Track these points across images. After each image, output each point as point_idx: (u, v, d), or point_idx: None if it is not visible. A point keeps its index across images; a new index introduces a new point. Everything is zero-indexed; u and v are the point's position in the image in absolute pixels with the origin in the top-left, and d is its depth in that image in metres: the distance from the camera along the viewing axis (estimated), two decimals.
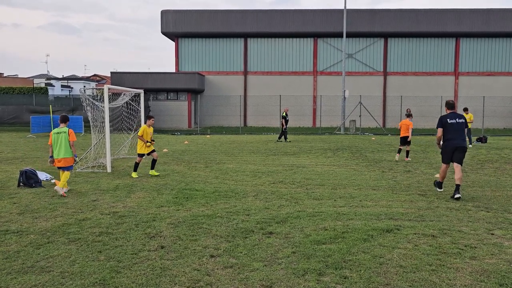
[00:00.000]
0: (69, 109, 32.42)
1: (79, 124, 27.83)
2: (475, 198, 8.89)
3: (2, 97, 37.17)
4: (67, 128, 9.68)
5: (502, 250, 5.68)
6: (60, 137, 9.55)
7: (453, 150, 9.10)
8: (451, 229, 6.62)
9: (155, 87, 35.02)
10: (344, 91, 32.75)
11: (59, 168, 9.79)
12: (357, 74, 38.32)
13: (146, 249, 5.72)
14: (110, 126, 13.33)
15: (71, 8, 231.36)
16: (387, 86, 38.40)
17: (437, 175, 10.20)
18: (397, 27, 36.67)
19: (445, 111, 9.53)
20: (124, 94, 15.72)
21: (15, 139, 24.49)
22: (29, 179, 10.15)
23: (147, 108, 31.54)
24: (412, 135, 16.04)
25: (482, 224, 6.92)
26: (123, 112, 17.55)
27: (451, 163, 9.22)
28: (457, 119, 9.15)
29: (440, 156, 9.70)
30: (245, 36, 38.36)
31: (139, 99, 16.86)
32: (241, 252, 5.59)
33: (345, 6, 32.44)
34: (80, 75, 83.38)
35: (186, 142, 23.10)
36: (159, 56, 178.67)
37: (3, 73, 68.22)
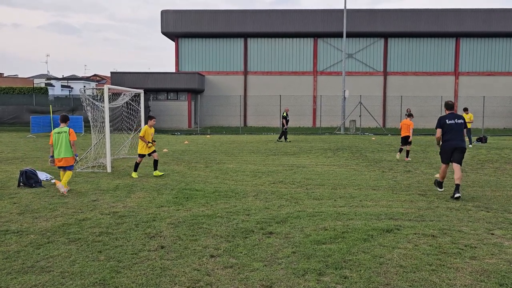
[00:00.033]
0: (69, 109, 32.42)
1: (79, 124, 27.82)
2: (475, 198, 8.89)
3: (2, 97, 37.17)
4: (68, 128, 9.71)
5: (502, 250, 5.68)
6: (61, 136, 9.57)
7: (452, 151, 9.16)
8: (451, 229, 6.62)
9: (155, 87, 35.04)
10: (344, 91, 32.75)
11: (59, 167, 9.81)
12: (357, 74, 38.32)
13: (146, 249, 5.72)
14: (110, 126, 13.32)
15: (71, 8, 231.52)
16: (387, 86, 38.41)
17: (437, 175, 10.21)
18: (397, 27, 36.68)
19: (444, 112, 9.58)
20: (124, 94, 15.71)
21: (15, 139, 24.49)
22: (29, 179, 10.15)
23: (147, 108, 31.55)
24: (412, 135, 16.06)
25: (482, 224, 6.91)
26: (123, 112, 17.55)
27: (450, 163, 9.25)
28: (456, 120, 9.20)
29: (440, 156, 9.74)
30: (245, 36, 38.37)
31: (139, 99, 16.86)
32: (241, 252, 5.59)
33: (345, 6, 32.43)
34: (80, 75, 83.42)
35: (186, 142, 23.10)
36: (159, 56, 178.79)
37: (3, 73, 68.25)
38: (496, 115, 37.11)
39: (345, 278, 4.77)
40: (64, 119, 9.86)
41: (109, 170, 12.62)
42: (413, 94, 37.37)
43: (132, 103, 17.25)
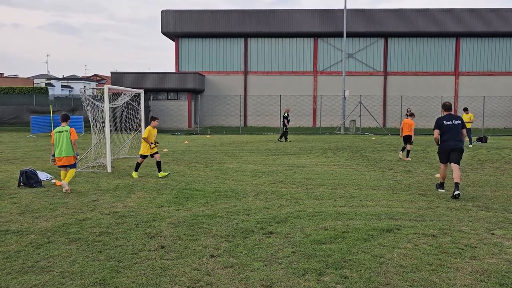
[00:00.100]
0: (69, 109, 32.43)
1: (79, 124, 27.83)
2: (476, 198, 8.89)
3: (2, 97, 37.19)
4: (69, 127, 9.75)
5: (502, 250, 5.68)
6: (62, 136, 9.61)
7: (449, 151, 9.27)
8: (451, 229, 6.62)
9: (155, 87, 35.04)
10: (344, 91, 32.75)
11: (60, 167, 9.81)
12: (357, 74, 38.32)
13: (146, 249, 5.72)
14: (110, 126, 13.32)
15: (71, 8, 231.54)
16: (387, 86, 38.40)
17: (437, 175, 10.23)
18: (397, 27, 36.68)
19: (441, 113, 9.65)
20: (124, 94, 15.72)
21: (16, 139, 24.50)
22: (29, 179, 10.15)
23: (147, 108, 31.56)
24: (414, 135, 16.08)
25: (482, 224, 6.92)
26: (123, 112, 17.56)
27: (449, 164, 9.34)
28: (453, 121, 9.31)
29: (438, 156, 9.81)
30: (245, 36, 38.37)
31: (139, 99, 16.87)
32: (241, 252, 5.59)
33: (345, 6, 32.43)
34: (80, 75, 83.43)
35: (186, 142, 23.10)
36: (159, 56, 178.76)
37: (3, 73, 68.27)
38: (496, 115, 37.11)
39: (345, 278, 4.77)
40: (65, 118, 9.89)
41: (109, 170, 12.62)
42: (413, 94, 37.37)
43: (132, 103, 17.25)
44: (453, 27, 36.43)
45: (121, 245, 5.86)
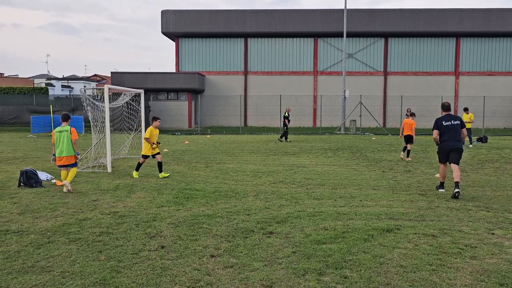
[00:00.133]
0: (70, 109, 32.43)
1: (80, 124, 27.83)
2: (476, 198, 8.89)
3: (2, 97, 37.20)
4: (69, 127, 9.77)
5: (503, 250, 5.68)
6: (63, 135, 9.64)
7: (448, 151, 9.33)
8: (452, 229, 6.62)
9: (155, 87, 35.05)
10: (345, 91, 32.75)
11: (60, 166, 9.82)
12: (358, 74, 38.31)
13: (146, 249, 5.72)
14: (111, 126, 13.32)
15: (71, 8, 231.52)
16: (388, 86, 38.40)
17: (437, 175, 10.24)
18: (397, 27, 36.67)
19: (441, 113, 9.69)
20: (125, 94, 15.72)
21: (16, 139, 24.50)
22: (29, 179, 10.15)
23: (147, 108, 31.56)
24: (415, 134, 16.07)
25: (483, 224, 6.91)
26: (124, 112, 17.57)
27: (449, 165, 9.39)
28: (452, 121, 9.37)
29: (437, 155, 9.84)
30: (245, 36, 38.37)
31: (140, 99, 16.87)
32: (241, 252, 5.59)
33: (345, 6, 32.43)
34: (80, 75, 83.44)
35: (186, 142, 23.11)
36: (159, 56, 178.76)
37: (3, 73, 68.28)
38: (497, 115, 37.11)
39: (345, 278, 4.77)
40: (65, 118, 9.92)
41: (109, 170, 12.62)
42: (414, 94, 37.36)
43: (133, 103, 17.26)
44: (453, 27, 36.42)
45: (121, 245, 5.86)
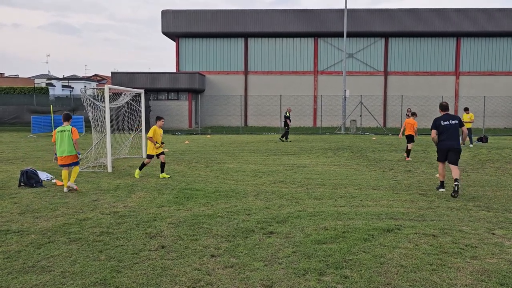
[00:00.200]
0: (70, 109, 32.40)
1: (80, 124, 27.82)
2: (476, 198, 8.89)
3: (3, 97, 37.21)
4: (71, 127, 9.81)
5: (503, 250, 5.68)
6: (64, 135, 9.67)
7: (446, 151, 9.39)
8: (452, 229, 6.61)
9: (155, 87, 35.05)
10: (345, 91, 32.74)
11: (61, 166, 9.83)
12: (358, 73, 38.30)
13: (146, 249, 5.72)
14: (111, 126, 13.32)
15: (71, 8, 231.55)
16: (388, 85, 38.39)
17: (437, 175, 10.23)
18: (397, 26, 36.66)
19: (439, 113, 9.73)
20: (125, 94, 15.72)
21: (16, 139, 24.51)
22: (30, 179, 10.15)
23: (147, 108, 31.55)
24: (416, 134, 16.04)
25: (483, 224, 6.91)
26: (124, 112, 17.56)
27: (448, 164, 9.45)
28: (450, 121, 9.42)
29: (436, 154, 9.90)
30: (246, 36, 38.37)
31: (140, 99, 16.88)
32: (241, 252, 5.59)
33: (345, 6, 32.41)
34: (80, 75, 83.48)
35: (186, 142, 23.11)
36: (159, 56, 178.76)
37: (4, 73, 68.30)
38: (497, 115, 37.08)
39: (345, 277, 4.77)
40: (67, 118, 9.95)
41: (109, 170, 12.62)
42: (414, 93, 37.35)
43: (133, 103, 17.25)
44: (453, 27, 36.40)
45: (121, 245, 5.86)
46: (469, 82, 37.90)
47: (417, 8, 36.69)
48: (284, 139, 23.79)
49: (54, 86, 63.83)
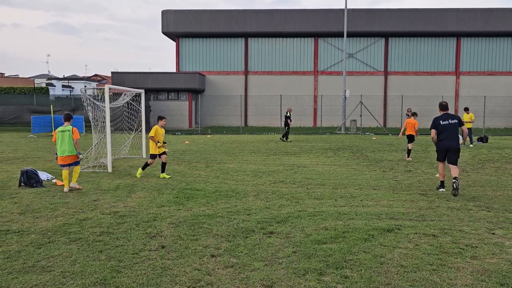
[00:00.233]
0: (70, 109, 32.40)
1: (80, 124, 27.83)
2: (476, 198, 8.89)
3: (3, 97, 37.22)
4: (71, 127, 9.87)
5: (503, 250, 5.68)
6: (65, 135, 9.73)
7: (446, 150, 9.44)
8: (452, 229, 6.61)
9: (156, 87, 35.05)
10: (345, 90, 32.74)
11: (62, 165, 9.84)
12: (358, 73, 38.30)
13: (147, 249, 5.72)
14: (111, 126, 13.33)
15: (71, 8, 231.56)
16: (388, 85, 38.38)
17: (437, 175, 10.24)
18: (397, 26, 36.66)
19: (438, 112, 9.75)
20: (125, 94, 15.72)
21: (16, 139, 24.52)
22: (30, 179, 10.16)
23: (148, 108, 31.56)
24: (417, 134, 16.03)
25: (483, 224, 6.91)
26: (124, 112, 17.56)
27: (447, 164, 9.50)
28: (449, 120, 9.46)
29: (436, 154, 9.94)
30: (246, 36, 38.37)
31: (140, 99, 16.88)
32: (241, 252, 5.59)
33: (345, 6, 32.41)
34: (81, 75, 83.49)
35: (187, 142, 23.11)
36: (159, 56, 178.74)
37: (4, 73, 68.30)
38: (497, 115, 37.08)
39: (345, 277, 4.77)
40: (67, 118, 10.01)
41: (110, 170, 12.62)
42: (414, 93, 37.35)
43: (133, 103, 17.25)
44: (453, 27, 36.40)
45: (121, 245, 5.86)
46: (469, 82, 37.89)
47: (417, 8, 36.69)
48: (284, 139, 23.79)
49: (54, 86, 63.85)
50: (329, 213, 7.59)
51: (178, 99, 36.36)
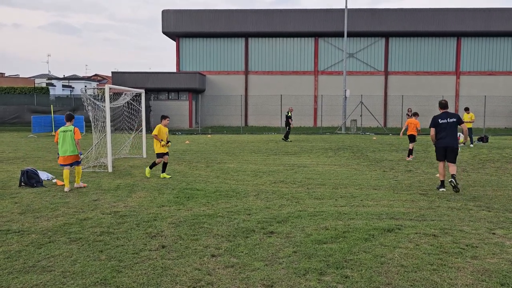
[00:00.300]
0: (70, 109, 32.43)
1: (80, 124, 27.85)
2: (477, 198, 8.88)
3: (3, 97, 37.24)
4: (73, 127, 9.94)
5: (504, 250, 5.67)
6: (66, 135, 9.81)
7: (444, 150, 9.50)
8: (452, 229, 6.61)
9: (156, 87, 35.06)
10: (345, 90, 32.74)
11: (62, 165, 9.87)
12: (358, 73, 38.29)
13: (147, 249, 5.72)
14: (111, 126, 13.33)
15: (71, 8, 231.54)
16: (388, 85, 38.38)
17: (438, 175, 10.23)
18: (398, 26, 36.65)
19: (438, 111, 9.77)
20: (125, 94, 15.72)
21: (16, 139, 24.53)
22: (30, 179, 10.16)
23: (148, 108, 31.56)
24: (418, 134, 16.02)
25: (484, 224, 6.91)
26: (124, 112, 17.57)
27: (446, 163, 9.60)
28: (448, 119, 9.51)
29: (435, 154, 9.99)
30: (246, 35, 38.37)
31: (140, 99, 16.88)
32: (242, 252, 5.59)
33: (346, 6, 32.41)
34: (81, 75, 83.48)
35: (187, 141, 23.11)
36: (159, 56, 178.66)
37: (4, 73, 68.32)
38: (498, 115, 37.05)
39: (346, 277, 4.76)
40: (69, 118, 10.10)
41: (110, 169, 12.63)
42: (414, 93, 37.33)
43: (133, 103, 17.26)
44: (454, 27, 36.39)
45: (122, 245, 5.86)
46: (470, 82, 37.88)
47: (418, 8, 36.69)
48: (285, 139, 23.79)
49: (55, 86, 63.85)
50: (330, 213, 7.59)
51: (178, 99, 36.36)
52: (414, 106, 34.92)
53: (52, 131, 27.90)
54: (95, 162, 13.58)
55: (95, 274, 4.88)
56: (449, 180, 9.25)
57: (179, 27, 37.48)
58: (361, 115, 33.11)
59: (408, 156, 15.45)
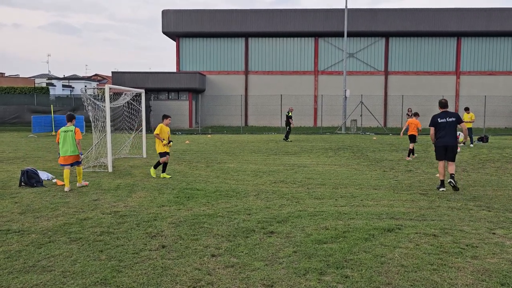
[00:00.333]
0: (71, 109, 32.43)
1: (81, 124, 27.85)
2: (477, 198, 8.88)
3: (3, 97, 37.25)
4: (74, 127, 9.96)
5: (504, 250, 5.67)
6: (67, 135, 9.85)
7: (444, 149, 9.54)
8: (453, 229, 6.61)
9: (156, 87, 35.07)
10: (345, 90, 32.74)
11: (63, 165, 9.88)
12: (358, 73, 38.29)
13: (147, 249, 5.72)
14: (111, 126, 13.33)
15: (71, 8, 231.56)
16: (388, 85, 38.38)
17: (438, 175, 10.23)
18: (398, 26, 36.65)
19: (438, 110, 9.79)
20: (125, 94, 15.72)
21: (17, 138, 24.52)
22: (30, 179, 10.16)
23: (148, 108, 31.56)
24: (419, 134, 16.03)
25: (484, 224, 6.91)
26: (124, 112, 17.56)
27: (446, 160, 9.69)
28: (447, 118, 9.55)
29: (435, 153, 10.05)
30: (246, 35, 38.37)
31: (140, 99, 16.88)
32: (242, 252, 5.59)
33: (346, 6, 32.40)
34: (81, 75, 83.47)
35: (187, 141, 23.10)
36: (159, 56, 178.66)
37: (4, 73, 68.32)
38: (498, 115, 37.05)
39: (346, 277, 4.76)
40: (70, 118, 10.14)
41: (110, 169, 12.62)
42: (414, 93, 37.33)
43: (133, 102, 17.25)
44: (454, 27, 36.39)
45: (122, 245, 5.86)
46: (470, 81, 37.89)
47: (418, 8, 36.69)
48: (285, 138, 23.78)
49: (55, 86, 63.84)
50: (330, 212, 7.59)
51: (178, 99, 36.36)
52: (414, 106, 34.90)
53: (52, 131, 27.92)
54: (95, 162, 13.58)
55: (95, 274, 4.88)
56: (448, 181, 9.35)
57: (179, 27, 37.48)
58: (361, 115, 33.11)
59: (408, 156, 15.45)
